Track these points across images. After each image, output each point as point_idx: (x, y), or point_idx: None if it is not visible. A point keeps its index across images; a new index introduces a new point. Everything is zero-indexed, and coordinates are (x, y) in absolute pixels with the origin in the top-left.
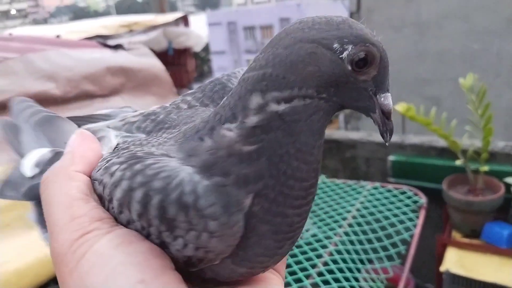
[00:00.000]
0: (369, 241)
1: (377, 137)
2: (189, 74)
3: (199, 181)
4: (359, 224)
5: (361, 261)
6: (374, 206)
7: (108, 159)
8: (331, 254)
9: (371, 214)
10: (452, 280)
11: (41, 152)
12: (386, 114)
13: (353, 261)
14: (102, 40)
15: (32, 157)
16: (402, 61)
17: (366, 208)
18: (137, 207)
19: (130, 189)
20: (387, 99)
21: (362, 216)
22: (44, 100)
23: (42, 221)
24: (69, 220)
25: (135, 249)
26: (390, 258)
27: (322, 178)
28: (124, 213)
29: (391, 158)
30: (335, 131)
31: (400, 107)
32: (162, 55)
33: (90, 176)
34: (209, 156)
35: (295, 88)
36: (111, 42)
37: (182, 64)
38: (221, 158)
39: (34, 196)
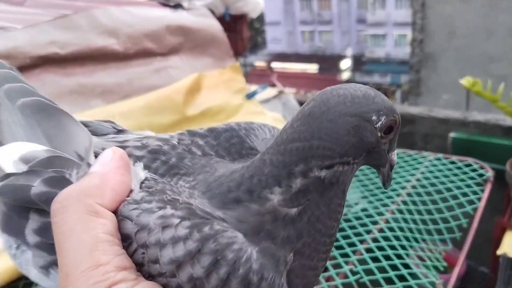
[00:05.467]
0: (429, 212)
1: (438, 113)
2: (244, 42)
3: (259, 257)
4: (418, 194)
5: (418, 233)
6: (436, 177)
7: (153, 201)
8: (381, 230)
9: (432, 185)
10: (509, 265)
11: (33, 148)
12: (391, 167)
13: (406, 238)
14: (163, 1)
15: (18, 149)
16: (469, 35)
17: (427, 178)
18: (199, 272)
19: (198, 252)
20: (395, 156)
21: (423, 186)
22: (106, 55)
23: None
24: (92, 267)
25: None
26: (450, 230)
27: None
28: (162, 267)
29: (452, 135)
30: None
31: (466, 81)
32: (218, 21)
33: (115, 211)
34: (256, 221)
35: (336, 157)
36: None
37: (237, 31)
38: (267, 222)
39: (15, 199)
